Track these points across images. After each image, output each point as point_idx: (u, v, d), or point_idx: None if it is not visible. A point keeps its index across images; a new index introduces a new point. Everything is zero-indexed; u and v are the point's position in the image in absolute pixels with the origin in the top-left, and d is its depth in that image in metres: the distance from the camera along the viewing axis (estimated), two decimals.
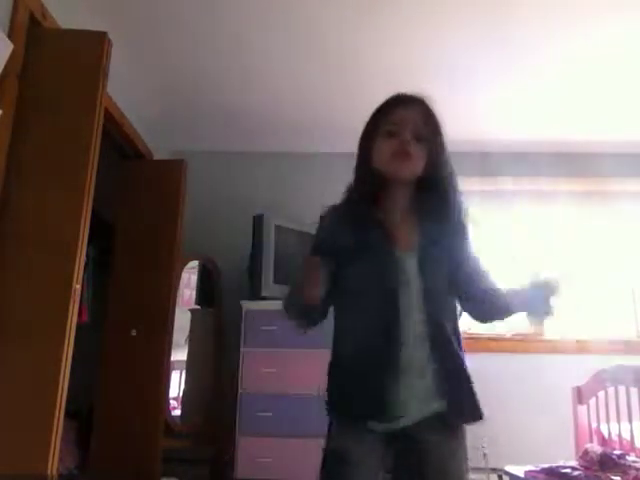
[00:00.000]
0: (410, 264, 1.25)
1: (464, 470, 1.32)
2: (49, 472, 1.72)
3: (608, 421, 2.58)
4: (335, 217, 1.35)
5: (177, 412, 3.42)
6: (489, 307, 1.38)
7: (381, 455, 1.24)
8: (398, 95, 1.36)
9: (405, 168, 1.28)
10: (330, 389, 1.28)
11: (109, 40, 2.05)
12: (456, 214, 1.33)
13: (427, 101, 1.35)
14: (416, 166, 1.29)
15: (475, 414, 1.36)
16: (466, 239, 1.38)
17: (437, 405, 1.26)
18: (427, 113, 1.33)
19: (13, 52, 1.83)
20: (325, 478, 1.24)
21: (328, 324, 1.33)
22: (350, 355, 1.25)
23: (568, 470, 2.22)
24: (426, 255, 1.26)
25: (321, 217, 1.38)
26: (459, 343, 1.31)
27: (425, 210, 1.31)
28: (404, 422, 1.22)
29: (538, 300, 1.24)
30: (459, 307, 1.36)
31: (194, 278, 3.67)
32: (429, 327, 1.23)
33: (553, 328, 3.61)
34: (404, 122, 1.29)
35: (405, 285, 1.23)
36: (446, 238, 1.30)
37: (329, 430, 1.28)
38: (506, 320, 1.40)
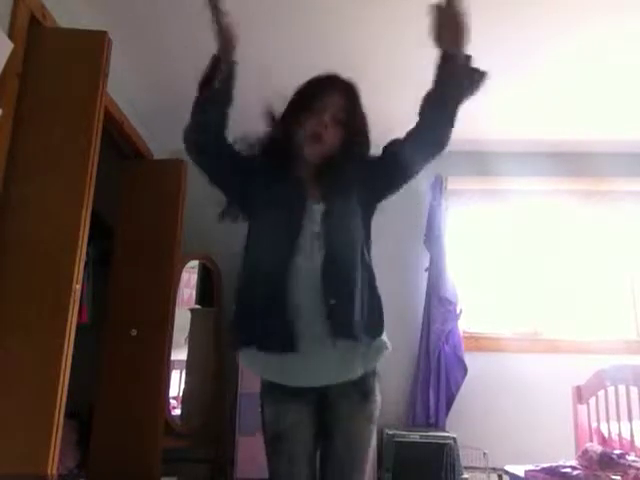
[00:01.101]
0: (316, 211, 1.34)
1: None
2: (49, 472, 1.72)
3: (608, 420, 2.58)
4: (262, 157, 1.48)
5: (177, 412, 3.42)
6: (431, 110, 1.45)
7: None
8: (330, 76, 1.46)
9: (314, 150, 1.39)
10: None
11: (109, 40, 2.06)
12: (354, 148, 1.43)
13: (355, 86, 1.45)
14: (325, 149, 1.39)
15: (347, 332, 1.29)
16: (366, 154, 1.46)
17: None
18: (352, 98, 1.43)
19: (13, 52, 1.83)
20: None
21: None
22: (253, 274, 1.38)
23: (568, 470, 2.22)
24: (331, 205, 1.35)
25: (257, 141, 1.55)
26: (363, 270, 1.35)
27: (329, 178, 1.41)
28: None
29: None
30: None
31: (194, 278, 3.67)
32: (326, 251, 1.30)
33: (553, 328, 3.62)
34: (328, 104, 1.39)
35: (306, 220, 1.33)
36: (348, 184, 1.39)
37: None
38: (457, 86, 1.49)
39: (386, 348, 1.36)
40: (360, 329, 1.28)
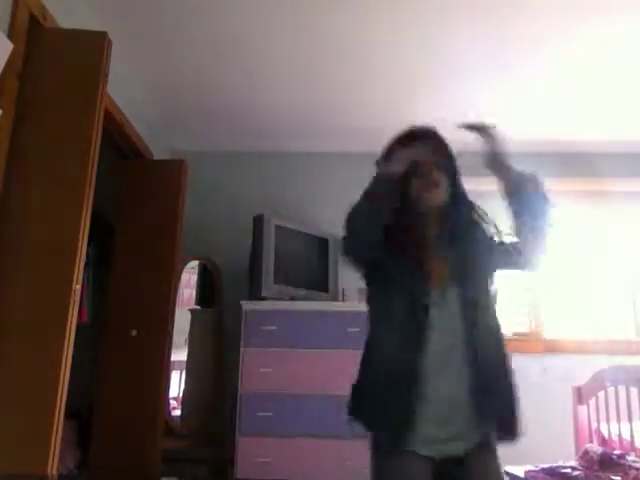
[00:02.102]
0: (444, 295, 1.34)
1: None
2: (49, 472, 1.72)
3: (608, 421, 2.58)
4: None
5: (177, 412, 3.42)
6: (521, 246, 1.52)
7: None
8: (413, 130, 1.52)
9: (437, 196, 1.44)
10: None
11: (109, 40, 2.05)
12: (471, 218, 1.51)
13: (436, 131, 1.53)
14: (443, 192, 1.45)
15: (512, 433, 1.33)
16: (482, 230, 1.50)
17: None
18: (441, 143, 1.52)
19: (13, 52, 1.83)
20: None
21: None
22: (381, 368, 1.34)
23: (568, 470, 2.22)
24: (459, 270, 1.36)
25: None
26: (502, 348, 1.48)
27: (452, 230, 1.45)
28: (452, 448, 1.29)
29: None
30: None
31: (194, 278, 3.68)
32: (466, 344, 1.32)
33: (553, 328, 3.62)
34: (427, 161, 1.43)
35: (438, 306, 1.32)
36: (473, 241, 1.43)
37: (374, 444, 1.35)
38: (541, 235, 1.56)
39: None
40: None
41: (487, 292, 1.41)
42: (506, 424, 1.32)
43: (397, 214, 1.39)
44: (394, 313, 1.33)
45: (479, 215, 1.55)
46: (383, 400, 1.28)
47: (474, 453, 1.29)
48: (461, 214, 1.49)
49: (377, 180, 1.37)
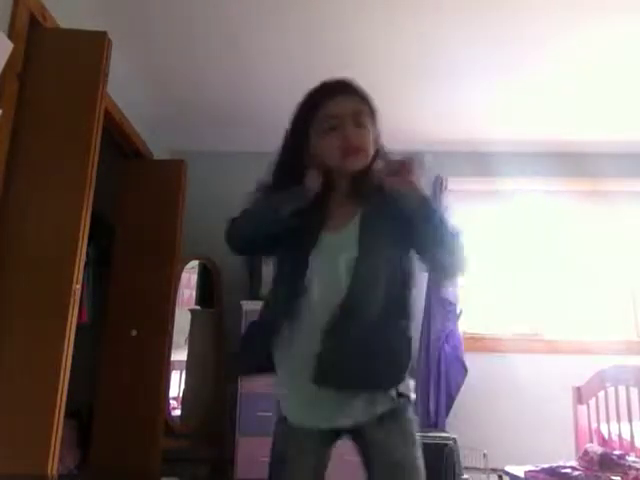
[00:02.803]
0: (344, 235, 1.22)
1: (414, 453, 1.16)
2: (49, 472, 1.72)
3: (608, 421, 2.58)
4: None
5: (177, 412, 3.42)
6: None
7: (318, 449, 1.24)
8: (328, 84, 1.34)
9: (357, 162, 1.25)
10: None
11: (109, 40, 2.06)
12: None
13: (355, 83, 1.32)
14: (368, 155, 1.26)
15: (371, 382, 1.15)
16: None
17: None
18: (362, 97, 1.30)
19: (13, 52, 1.83)
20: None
21: None
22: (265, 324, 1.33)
23: (568, 470, 2.22)
24: (367, 221, 1.22)
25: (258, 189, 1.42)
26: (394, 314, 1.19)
27: (367, 191, 1.27)
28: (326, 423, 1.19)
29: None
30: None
31: (194, 278, 3.68)
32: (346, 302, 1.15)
33: (553, 328, 3.62)
34: (343, 113, 1.25)
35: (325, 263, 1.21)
36: (388, 206, 1.21)
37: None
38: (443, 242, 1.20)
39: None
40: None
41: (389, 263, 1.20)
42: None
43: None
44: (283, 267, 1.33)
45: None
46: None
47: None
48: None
49: (277, 201, 1.28)
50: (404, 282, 1.22)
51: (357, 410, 1.15)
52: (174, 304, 3.16)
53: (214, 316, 3.60)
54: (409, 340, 1.21)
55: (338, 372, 1.12)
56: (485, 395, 3.35)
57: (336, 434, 1.23)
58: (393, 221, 1.20)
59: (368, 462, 1.18)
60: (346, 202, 1.28)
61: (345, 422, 1.17)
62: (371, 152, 1.27)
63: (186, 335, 3.52)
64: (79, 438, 3.04)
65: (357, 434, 1.20)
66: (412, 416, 1.20)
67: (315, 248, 1.22)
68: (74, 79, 2.01)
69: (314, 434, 1.21)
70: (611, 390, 2.55)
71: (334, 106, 1.27)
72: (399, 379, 1.17)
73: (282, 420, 1.28)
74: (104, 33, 2.05)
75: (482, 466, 2.95)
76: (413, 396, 1.22)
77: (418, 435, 1.19)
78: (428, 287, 3.47)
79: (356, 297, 1.15)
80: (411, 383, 1.22)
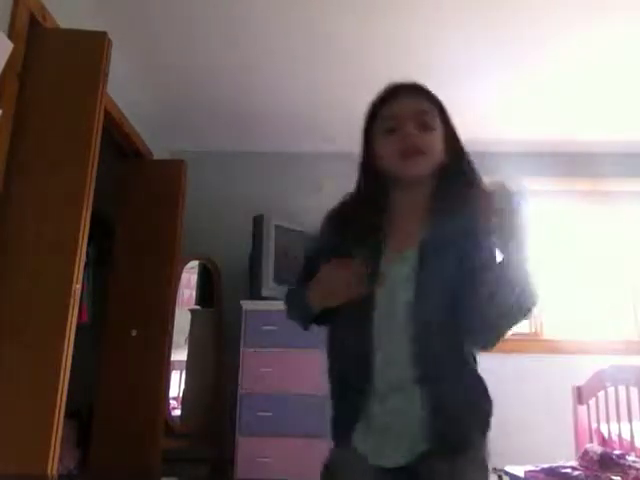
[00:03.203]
0: (400, 268, 1.09)
1: None
2: (49, 472, 1.72)
3: (608, 421, 2.58)
4: (336, 222, 1.23)
5: (177, 412, 3.42)
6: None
7: None
8: (388, 86, 1.23)
9: (415, 165, 1.12)
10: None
11: (109, 40, 2.05)
12: (480, 208, 1.02)
13: (422, 85, 1.22)
14: (430, 159, 1.14)
15: (457, 447, 1.06)
16: (485, 241, 1.06)
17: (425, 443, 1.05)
18: (427, 97, 1.19)
19: (13, 52, 1.83)
20: None
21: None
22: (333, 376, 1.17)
23: (568, 470, 2.22)
24: (428, 252, 1.08)
25: (324, 220, 1.28)
26: (465, 362, 1.12)
27: (441, 202, 1.13)
28: (392, 461, 1.06)
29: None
30: None
31: (194, 278, 3.68)
32: (416, 347, 1.05)
33: (553, 328, 3.62)
34: (402, 114, 1.14)
35: (386, 299, 1.08)
36: (459, 233, 1.07)
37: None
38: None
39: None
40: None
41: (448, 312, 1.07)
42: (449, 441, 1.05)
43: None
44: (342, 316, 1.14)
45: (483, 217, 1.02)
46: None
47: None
48: (457, 189, 1.10)
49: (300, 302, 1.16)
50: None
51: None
52: (174, 304, 3.16)
53: (214, 316, 3.60)
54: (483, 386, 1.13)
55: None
56: None
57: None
58: (457, 251, 1.07)
59: None
60: (407, 221, 1.15)
61: None
62: (437, 156, 1.14)
63: (186, 335, 3.52)
64: (79, 438, 3.04)
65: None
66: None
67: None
68: (74, 79, 2.01)
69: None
70: (611, 390, 2.55)
71: (394, 106, 1.17)
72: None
73: None
74: (104, 33, 2.05)
75: None
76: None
77: None
78: None
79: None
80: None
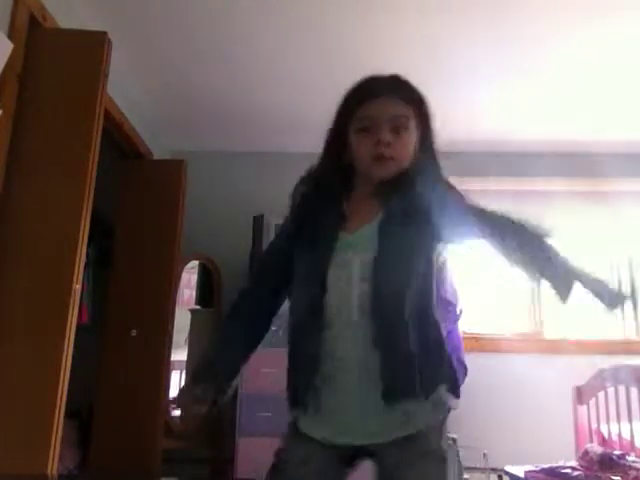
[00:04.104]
0: (357, 243, 1.13)
1: None
2: (49, 472, 1.72)
3: (608, 421, 2.58)
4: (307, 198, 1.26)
5: (177, 412, 3.42)
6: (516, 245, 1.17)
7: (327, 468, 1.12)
8: (369, 81, 1.22)
9: (387, 169, 1.16)
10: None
11: (109, 40, 2.06)
12: (430, 186, 1.15)
13: (400, 77, 1.21)
14: (399, 165, 1.17)
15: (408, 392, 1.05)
16: (448, 204, 1.14)
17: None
18: (405, 97, 1.19)
19: (13, 52, 1.83)
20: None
21: None
22: (290, 345, 1.23)
23: (568, 470, 2.22)
24: (385, 228, 1.12)
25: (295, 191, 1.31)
26: (425, 327, 1.12)
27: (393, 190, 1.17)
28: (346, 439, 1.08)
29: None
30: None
31: (194, 278, 3.68)
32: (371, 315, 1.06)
33: (553, 328, 3.62)
34: (378, 117, 1.15)
35: (343, 265, 1.11)
36: (415, 209, 1.12)
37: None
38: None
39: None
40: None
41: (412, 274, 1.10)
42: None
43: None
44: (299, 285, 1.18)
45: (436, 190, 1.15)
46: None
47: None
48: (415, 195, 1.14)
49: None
50: (426, 290, 1.13)
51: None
52: (174, 304, 3.16)
53: (214, 316, 3.60)
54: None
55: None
56: (485, 395, 3.35)
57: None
58: (418, 225, 1.11)
59: None
60: (367, 202, 1.19)
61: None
62: (405, 161, 1.17)
63: (186, 335, 3.52)
64: (79, 438, 3.04)
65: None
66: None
67: (333, 252, 1.12)
68: (74, 79, 2.01)
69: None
70: (611, 390, 2.55)
71: (371, 108, 1.17)
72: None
73: None
74: (104, 33, 2.05)
75: (482, 466, 2.95)
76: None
77: None
78: None
79: (378, 299, 1.07)
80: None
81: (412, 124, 1.18)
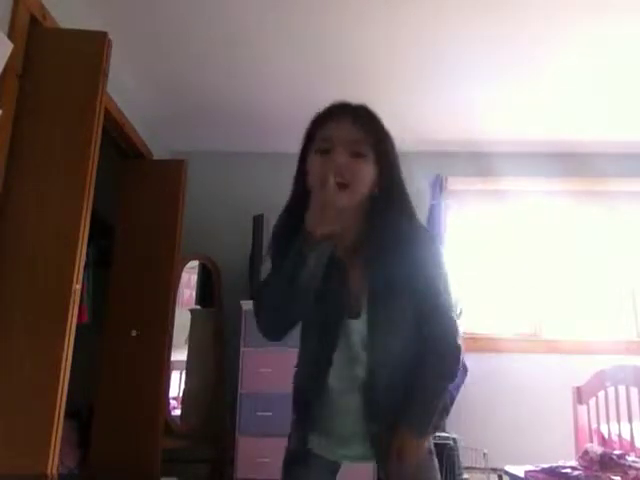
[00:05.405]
0: (357, 328, 1.19)
1: None
2: (49, 472, 1.72)
3: (608, 421, 2.58)
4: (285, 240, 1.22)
5: (177, 412, 3.42)
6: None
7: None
8: (334, 105, 1.21)
9: (339, 199, 1.09)
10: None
11: (109, 40, 2.05)
12: (411, 245, 1.18)
13: (367, 108, 1.20)
14: (355, 191, 1.13)
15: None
16: (421, 271, 1.19)
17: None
18: (370, 124, 1.17)
19: (13, 52, 1.83)
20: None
21: None
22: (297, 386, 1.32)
23: (568, 470, 2.22)
24: (375, 315, 1.18)
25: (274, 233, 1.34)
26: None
27: (374, 245, 1.18)
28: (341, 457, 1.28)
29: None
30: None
31: (194, 278, 3.67)
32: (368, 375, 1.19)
33: (553, 328, 3.62)
34: (338, 137, 1.13)
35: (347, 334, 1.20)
36: (401, 277, 1.17)
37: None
38: None
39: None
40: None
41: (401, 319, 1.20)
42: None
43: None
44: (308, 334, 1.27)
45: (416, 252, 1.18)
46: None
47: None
48: (384, 228, 1.17)
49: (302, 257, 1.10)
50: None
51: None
52: (174, 304, 3.16)
53: (214, 316, 3.60)
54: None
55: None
56: (485, 395, 3.35)
57: None
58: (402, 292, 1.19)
59: None
60: (354, 261, 1.21)
61: None
62: (363, 187, 1.14)
63: (186, 335, 3.52)
64: (79, 438, 3.04)
65: None
66: None
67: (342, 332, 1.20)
68: (74, 79, 2.01)
69: None
70: (611, 390, 2.55)
71: (332, 129, 1.16)
72: None
73: None
74: (104, 33, 2.05)
75: (482, 466, 2.95)
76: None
77: None
78: None
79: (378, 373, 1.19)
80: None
81: (371, 156, 1.15)
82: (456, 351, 1.19)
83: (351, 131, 1.14)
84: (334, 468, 1.30)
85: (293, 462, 1.30)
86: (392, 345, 1.19)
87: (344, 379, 1.20)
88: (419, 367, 1.19)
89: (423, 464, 1.23)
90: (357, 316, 1.19)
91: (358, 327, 1.19)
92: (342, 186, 1.10)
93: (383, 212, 1.18)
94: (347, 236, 1.20)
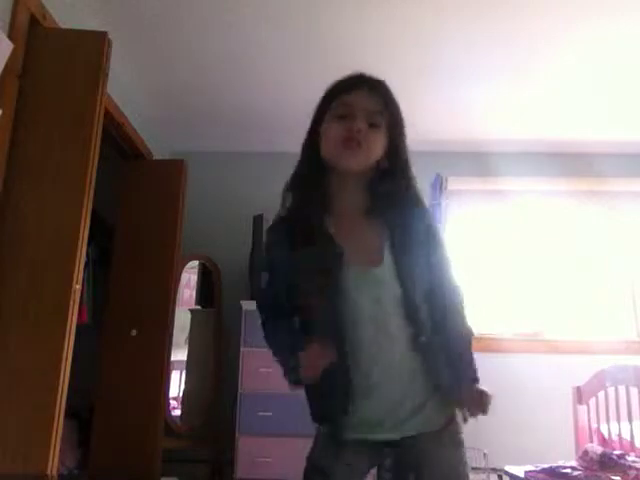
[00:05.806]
0: (376, 278, 1.16)
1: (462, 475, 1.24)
2: (49, 472, 1.72)
3: (608, 421, 2.58)
4: (282, 232, 1.24)
5: (177, 412, 3.42)
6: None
7: (363, 469, 1.25)
8: (354, 75, 1.23)
9: (353, 157, 1.15)
10: (306, 396, 1.32)
11: (109, 40, 2.05)
12: (424, 214, 1.25)
13: (386, 84, 1.24)
14: (368, 156, 1.17)
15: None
16: (437, 243, 1.24)
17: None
18: (386, 97, 1.21)
19: (13, 52, 1.83)
20: None
21: None
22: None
23: (568, 470, 2.22)
24: (401, 267, 1.15)
25: (268, 230, 1.31)
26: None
27: (389, 211, 1.19)
28: (384, 434, 1.18)
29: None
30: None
31: (194, 278, 3.67)
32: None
33: (553, 328, 3.62)
34: (358, 105, 1.17)
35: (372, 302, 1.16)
36: (419, 244, 1.19)
37: (315, 438, 1.30)
38: None
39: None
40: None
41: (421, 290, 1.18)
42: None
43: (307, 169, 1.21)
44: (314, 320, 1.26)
45: (429, 222, 1.24)
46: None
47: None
48: (397, 190, 1.20)
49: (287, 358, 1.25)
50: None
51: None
52: (174, 304, 3.16)
53: (214, 316, 3.60)
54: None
55: None
56: None
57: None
58: (420, 244, 1.19)
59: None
60: (363, 221, 1.20)
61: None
62: (373, 157, 1.18)
63: (186, 335, 3.52)
64: (79, 438, 3.04)
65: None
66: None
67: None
68: (74, 79, 2.01)
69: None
70: (611, 390, 2.55)
71: (352, 96, 1.19)
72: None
73: None
74: (104, 33, 2.05)
75: (482, 466, 2.95)
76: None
77: None
78: None
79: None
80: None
81: (384, 127, 1.20)
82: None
83: (370, 101, 1.18)
84: (373, 459, 1.22)
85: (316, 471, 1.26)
86: (418, 275, 1.17)
87: (380, 331, 1.15)
88: (446, 318, 1.24)
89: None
90: (379, 264, 1.15)
91: (382, 274, 1.15)
92: (359, 145, 1.14)
93: (392, 178, 1.21)
94: (353, 203, 1.22)
